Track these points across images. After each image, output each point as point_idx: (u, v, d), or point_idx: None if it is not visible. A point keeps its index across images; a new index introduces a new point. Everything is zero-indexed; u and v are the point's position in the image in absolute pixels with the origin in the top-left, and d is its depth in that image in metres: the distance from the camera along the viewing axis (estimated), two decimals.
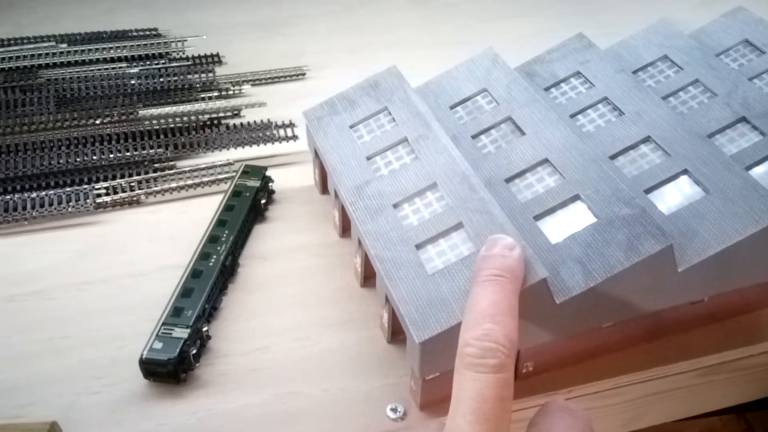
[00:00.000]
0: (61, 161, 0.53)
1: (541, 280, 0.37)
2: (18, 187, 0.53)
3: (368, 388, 0.41)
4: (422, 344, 0.36)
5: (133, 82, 0.62)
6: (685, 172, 0.45)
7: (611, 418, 0.43)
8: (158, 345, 0.40)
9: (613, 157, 0.47)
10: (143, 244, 0.51)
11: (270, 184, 0.54)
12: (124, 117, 0.57)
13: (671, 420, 0.46)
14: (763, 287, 0.45)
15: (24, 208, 0.51)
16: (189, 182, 0.54)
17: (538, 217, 0.42)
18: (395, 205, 0.43)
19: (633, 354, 0.43)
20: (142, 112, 0.58)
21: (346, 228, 0.51)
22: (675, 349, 0.44)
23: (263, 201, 0.52)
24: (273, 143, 0.58)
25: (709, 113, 0.50)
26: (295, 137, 0.58)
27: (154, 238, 0.51)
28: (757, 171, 0.47)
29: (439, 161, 0.45)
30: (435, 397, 0.40)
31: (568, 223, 0.42)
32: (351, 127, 0.50)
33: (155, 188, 0.53)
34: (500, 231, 0.39)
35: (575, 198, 0.42)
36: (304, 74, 0.69)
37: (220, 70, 0.68)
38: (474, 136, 0.49)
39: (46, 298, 0.46)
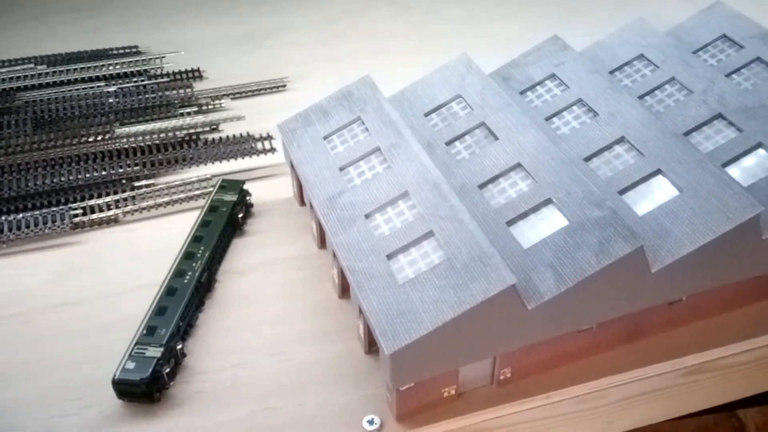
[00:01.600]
0: (38, 183, 0.54)
1: (510, 287, 0.36)
2: None
3: (345, 400, 0.41)
4: (392, 356, 0.36)
5: (110, 100, 0.62)
6: (658, 171, 0.44)
7: (592, 422, 0.43)
8: (131, 365, 0.40)
9: (588, 158, 0.47)
10: (121, 263, 0.50)
11: (248, 198, 0.54)
12: (100, 137, 0.57)
13: (655, 422, 0.45)
14: (743, 285, 0.44)
15: (1, 231, 0.51)
16: (166, 199, 0.54)
17: (510, 223, 0.42)
18: (367, 216, 0.43)
19: (613, 356, 0.43)
20: (119, 131, 0.58)
21: (324, 239, 0.51)
22: (655, 350, 0.43)
23: (241, 215, 0.52)
24: (251, 156, 0.57)
25: (686, 111, 0.50)
26: (273, 149, 0.58)
27: (132, 256, 0.51)
28: (734, 167, 0.46)
29: (410, 169, 0.45)
30: (411, 408, 0.39)
31: (540, 227, 0.41)
32: (325, 138, 0.50)
33: (132, 207, 0.53)
34: (470, 238, 0.39)
35: (547, 202, 0.42)
36: (284, 86, 0.69)
37: (200, 85, 0.68)
38: (448, 143, 0.49)
39: (24, 321, 0.46)
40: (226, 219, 0.50)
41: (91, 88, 0.63)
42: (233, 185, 0.53)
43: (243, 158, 0.58)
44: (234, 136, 0.59)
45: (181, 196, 0.54)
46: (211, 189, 0.53)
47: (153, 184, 0.56)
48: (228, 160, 0.57)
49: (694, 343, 0.44)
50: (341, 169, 0.47)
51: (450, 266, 0.38)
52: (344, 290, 0.47)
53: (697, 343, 0.44)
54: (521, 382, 0.41)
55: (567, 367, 0.42)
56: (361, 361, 0.43)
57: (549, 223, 0.41)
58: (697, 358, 0.43)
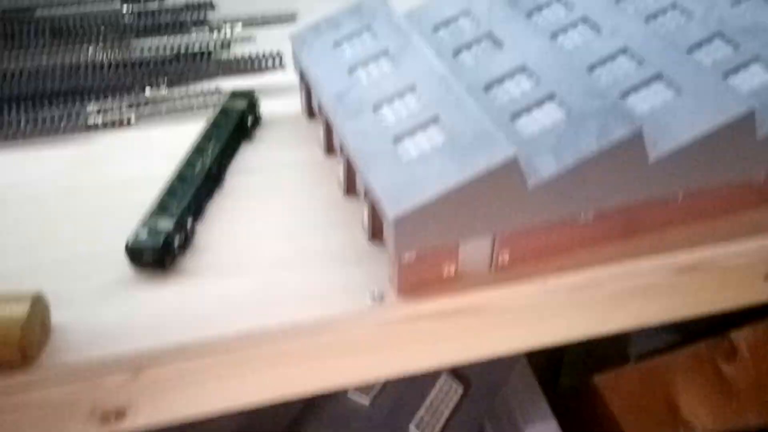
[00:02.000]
0: (54, 84, 0.55)
1: (512, 159, 0.38)
2: (14, 107, 0.55)
3: (348, 279, 0.42)
4: (396, 220, 0.37)
5: (125, 21, 0.64)
6: (659, 76, 0.46)
7: (587, 315, 0.44)
8: (144, 233, 0.41)
9: (591, 68, 0.48)
10: (133, 159, 0.52)
11: (257, 108, 0.55)
12: (116, 45, 0.59)
13: (650, 321, 0.47)
14: (739, 188, 0.46)
15: (19, 126, 0.52)
16: (179, 105, 0.55)
17: (513, 117, 0.44)
18: (375, 107, 0.45)
19: (609, 249, 0.44)
20: (134, 42, 0.60)
21: (331, 146, 0.52)
22: (651, 247, 0.45)
23: (250, 122, 0.53)
24: (261, 71, 0.59)
25: (687, 32, 0.51)
26: (282, 65, 0.59)
27: (144, 154, 0.52)
28: (732, 78, 0.48)
29: (418, 67, 0.46)
30: (412, 282, 0.41)
31: (543, 119, 0.43)
32: (335, 44, 0.51)
33: (145, 110, 0.55)
34: (475, 123, 0.41)
35: (551, 96, 0.44)
36: (294, 16, 0.70)
37: (211, 15, 0.70)
38: (455, 53, 0.50)
39: (38, 202, 0.48)
40: (236, 122, 0.52)
41: (107, 6, 0.65)
42: (244, 94, 0.55)
43: (253, 73, 0.59)
44: (244, 54, 0.61)
45: (194, 102, 0.55)
46: (222, 100, 0.54)
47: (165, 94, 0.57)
48: (239, 74, 0.59)
49: (688, 240, 0.45)
50: (350, 70, 0.48)
51: (453, 145, 0.40)
52: (349, 189, 0.49)
53: (692, 241, 0.45)
54: (519, 268, 0.43)
55: (564, 259, 0.44)
56: (365, 248, 0.45)
57: (551, 115, 0.43)
58: (690, 255, 0.45)
